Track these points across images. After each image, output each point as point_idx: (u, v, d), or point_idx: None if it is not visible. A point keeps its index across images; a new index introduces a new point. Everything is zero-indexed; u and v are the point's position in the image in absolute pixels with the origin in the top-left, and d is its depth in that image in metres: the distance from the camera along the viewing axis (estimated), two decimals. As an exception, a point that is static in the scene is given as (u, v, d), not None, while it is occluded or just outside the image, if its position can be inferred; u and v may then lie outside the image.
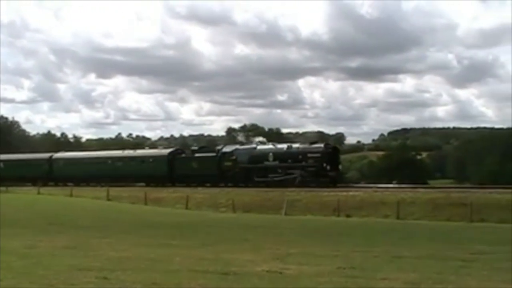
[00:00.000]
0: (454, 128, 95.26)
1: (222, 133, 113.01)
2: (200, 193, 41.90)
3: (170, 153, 52.77)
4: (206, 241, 17.28)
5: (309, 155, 43.64)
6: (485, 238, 20.46)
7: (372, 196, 34.61)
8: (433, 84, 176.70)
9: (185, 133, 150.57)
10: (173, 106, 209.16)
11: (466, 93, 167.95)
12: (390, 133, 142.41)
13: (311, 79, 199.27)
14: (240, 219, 30.07)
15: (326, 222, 28.70)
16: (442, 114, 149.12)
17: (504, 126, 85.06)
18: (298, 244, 16.86)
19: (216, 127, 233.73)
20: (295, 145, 46.44)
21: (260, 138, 66.92)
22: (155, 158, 52.67)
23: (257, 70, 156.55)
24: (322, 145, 45.99)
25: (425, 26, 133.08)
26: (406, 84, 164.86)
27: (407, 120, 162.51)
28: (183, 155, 52.11)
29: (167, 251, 14.08)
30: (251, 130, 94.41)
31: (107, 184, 49.86)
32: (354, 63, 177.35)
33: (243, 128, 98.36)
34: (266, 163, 45.21)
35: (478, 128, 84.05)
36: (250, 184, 44.04)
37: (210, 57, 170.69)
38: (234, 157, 47.02)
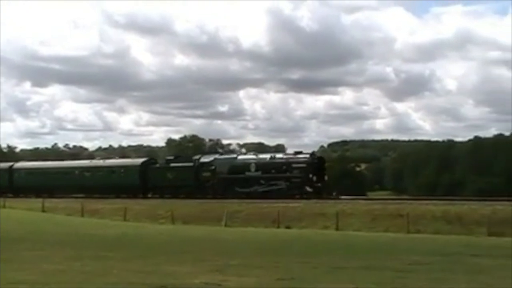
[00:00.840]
0: (392, 140, 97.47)
1: (162, 144, 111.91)
2: (139, 205, 41.31)
3: (143, 163, 50.54)
4: (144, 253, 17.00)
5: (294, 165, 42.00)
6: (421, 249, 20.85)
7: (312, 208, 34.82)
8: (371, 97, 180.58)
9: (124, 144, 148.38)
10: (111, 116, 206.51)
11: (403, 106, 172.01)
12: (330, 145, 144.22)
13: (252, 90, 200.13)
14: (179, 230, 29.76)
15: (266, 234, 28.71)
16: (380, 126, 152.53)
17: (440, 138, 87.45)
18: (238, 255, 16.76)
19: (156, 137, 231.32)
20: (279, 155, 44.78)
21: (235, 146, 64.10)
22: (126, 168, 50.13)
23: (198, 81, 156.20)
24: (307, 155, 43.99)
25: (364, 39, 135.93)
26: (346, 96, 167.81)
27: (347, 132, 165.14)
28: (157, 165, 50.01)
29: (103, 263, 13.76)
30: (192, 141, 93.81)
31: (72, 196, 48.36)
32: (295, 75, 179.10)
33: (183, 139, 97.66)
34: (248, 173, 43.33)
35: (415, 140, 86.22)
36: (230, 196, 41.77)
37: (150, 67, 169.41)
38: (213, 167, 44.94)
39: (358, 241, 24.73)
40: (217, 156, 48.33)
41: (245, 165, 43.89)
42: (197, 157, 48.62)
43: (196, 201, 40.89)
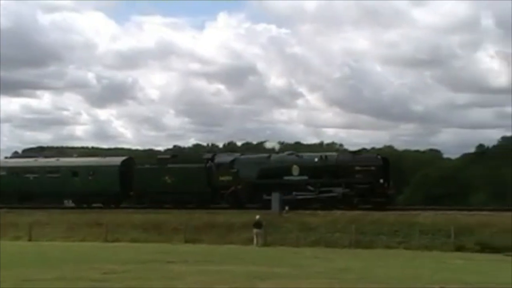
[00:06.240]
0: (92, 148, 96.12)
1: None
2: None
3: (123, 162, 39.30)
4: None
5: (358, 168, 33.50)
6: (118, 257, 20.76)
7: (4, 217, 32.56)
8: (72, 102, 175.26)
9: None
10: None
11: (105, 113, 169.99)
12: (24, 151, 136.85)
13: None
14: None
15: None
16: (80, 133, 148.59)
17: (141, 147, 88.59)
18: None
19: None
20: (332, 155, 35.94)
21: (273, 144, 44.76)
22: (98, 169, 38.80)
23: None
24: (373, 155, 36.03)
25: (64, 42, 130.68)
26: (44, 100, 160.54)
27: (44, 138, 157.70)
28: (147, 166, 38.82)
29: None
30: None
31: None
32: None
33: None
34: (288, 178, 34.16)
35: (116, 148, 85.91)
36: (259, 205, 32.97)
37: None
38: (234, 170, 35.36)
39: (53, 251, 23.74)
40: (238, 155, 38.32)
41: (284, 167, 34.59)
42: (208, 156, 38.54)
43: None
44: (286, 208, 31.14)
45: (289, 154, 36.61)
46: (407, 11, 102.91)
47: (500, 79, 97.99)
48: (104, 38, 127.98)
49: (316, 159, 34.64)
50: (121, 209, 35.58)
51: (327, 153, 36.99)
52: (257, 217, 27.63)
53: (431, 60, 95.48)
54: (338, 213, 29.68)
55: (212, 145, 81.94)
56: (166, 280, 13.82)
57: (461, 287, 13.87)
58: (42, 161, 41.57)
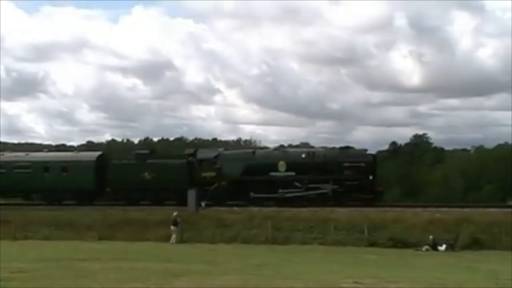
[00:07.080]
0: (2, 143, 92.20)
1: None
2: None
3: (99, 157, 37.51)
4: None
5: (346, 164, 32.65)
6: (27, 255, 20.06)
7: None
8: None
9: None
10: None
11: (15, 107, 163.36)
12: None
13: None
14: None
15: None
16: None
17: (53, 142, 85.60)
18: None
19: None
20: (320, 151, 34.78)
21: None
22: (71, 164, 36.60)
23: None
24: (362, 151, 35.02)
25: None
26: None
27: None
28: (125, 161, 37.03)
29: None
30: None
31: None
32: None
33: None
34: (274, 174, 33.05)
35: (26, 143, 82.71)
36: (244, 203, 31.90)
37: None
38: (217, 166, 33.97)
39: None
40: (221, 150, 36.96)
41: (270, 163, 33.49)
42: (190, 151, 37.11)
43: None
44: (203, 204, 31.00)
45: (274, 149, 36.03)
46: (324, 10, 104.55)
47: (412, 79, 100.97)
48: (13, 29, 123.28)
49: (303, 155, 33.92)
50: (31, 206, 34.39)
51: (314, 149, 36.56)
52: (175, 214, 27.34)
53: (347, 58, 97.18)
54: (254, 209, 29.82)
55: (128, 140, 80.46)
56: (78, 279, 13.41)
57: (374, 281, 14.11)
58: (10, 156, 39.26)
